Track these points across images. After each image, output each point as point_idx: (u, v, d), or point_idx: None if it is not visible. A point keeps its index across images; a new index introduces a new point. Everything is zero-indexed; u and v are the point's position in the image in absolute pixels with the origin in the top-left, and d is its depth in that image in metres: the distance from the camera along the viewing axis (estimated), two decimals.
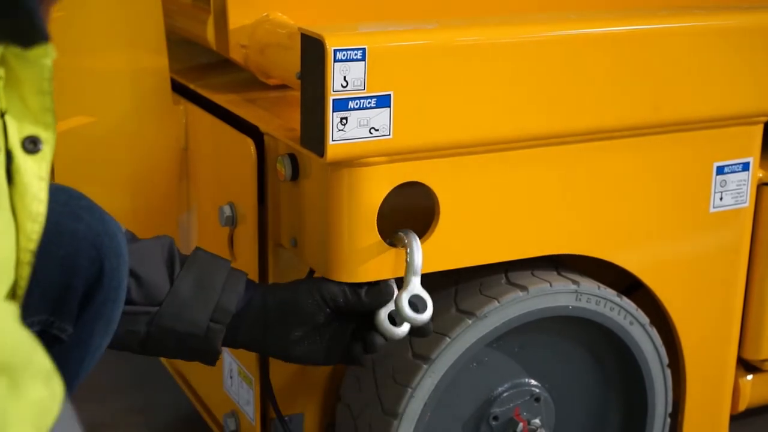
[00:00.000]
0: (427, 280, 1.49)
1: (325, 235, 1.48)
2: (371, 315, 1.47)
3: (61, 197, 1.27)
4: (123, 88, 1.78)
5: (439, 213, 1.52)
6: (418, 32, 1.46)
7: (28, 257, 0.96)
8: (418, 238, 1.47)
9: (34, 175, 0.94)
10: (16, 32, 0.86)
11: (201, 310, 1.42)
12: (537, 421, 1.71)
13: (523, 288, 1.62)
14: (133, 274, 1.37)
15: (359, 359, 1.49)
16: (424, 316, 1.45)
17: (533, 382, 1.73)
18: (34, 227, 0.95)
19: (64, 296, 1.26)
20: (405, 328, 1.46)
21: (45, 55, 0.90)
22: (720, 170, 1.75)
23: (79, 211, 1.28)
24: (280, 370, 1.68)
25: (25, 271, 0.95)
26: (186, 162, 1.88)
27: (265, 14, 1.71)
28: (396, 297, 1.45)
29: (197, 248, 1.48)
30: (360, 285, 1.47)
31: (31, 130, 0.94)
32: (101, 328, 1.28)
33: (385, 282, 1.47)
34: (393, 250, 1.48)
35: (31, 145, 0.94)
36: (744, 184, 1.77)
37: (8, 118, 0.93)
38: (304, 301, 1.44)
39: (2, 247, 0.90)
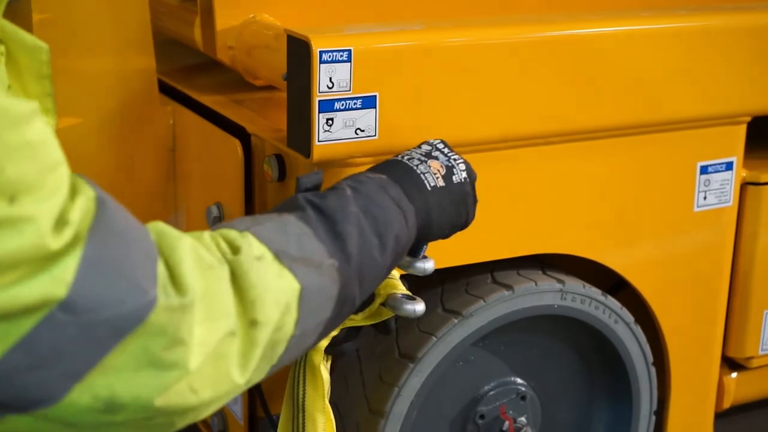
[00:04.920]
0: (414, 280, 1.49)
1: None
2: None
3: None
4: (110, 89, 1.79)
5: None
6: (403, 34, 1.47)
7: None
8: None
9: None
10: None
11: None
12: (523, 419, 1.72)
13: (509, 287, 1.63)
14: None
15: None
16: (417, 309, 1.43)
17: (519, 380, 1.74)
18: None
19: None
20: (421, 305, 1.41)
21: None
22: (704, 170, 1.76)
23: None
24: None
25: None
26: (173, 163, 1.89)
27: (252, 16, 1.72)
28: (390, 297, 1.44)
29: None
30: None
31: None
32: None
33: None
34: None
35: None
36: (727, 184, 1.79)
37: None
38: None
39: None
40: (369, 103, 1.41)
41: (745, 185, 1.85)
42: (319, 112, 1.38)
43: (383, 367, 1.63)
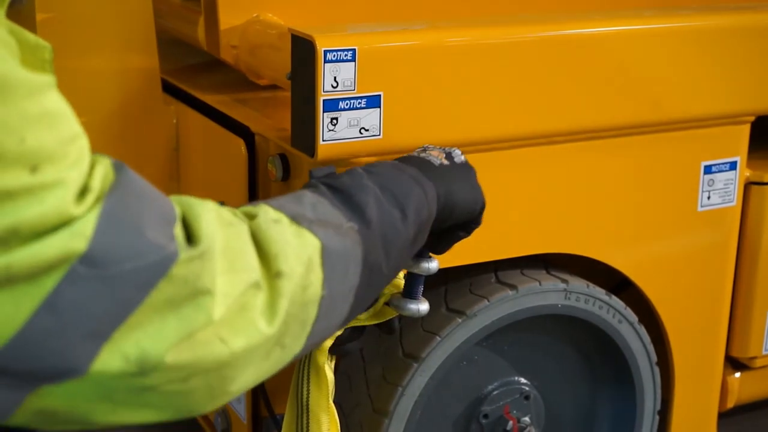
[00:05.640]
0: None
1: None
2: None
3: None
4: (113, 89, 1.79)
5: None
6: (407, 33, 1.47)
7: None
8: None
9: None
10: None
11: None
12: (527, 419, 1.72)
13: (513, 287, 1.63)
14: None
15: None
16: (421, 309, 1.41)
17: (523, 380, 1.74)
18: None
19: None
20: (425, 305, 1.41)
21: None
22: (708, 169, 1.76)
23: None
24: None
25: None
26: (177, 162, 1.89)
27: (255, 15, 1.72)
28: (393, 296, 1.44)
29: None
30: None
31: None
32: None
33: None
34: None
35: None
36: (731, 183, 1.79)
37: None
38: None
39: None
40: (373, 102, 1.41)
41: (748, 185, 1.85)
42: (323, 112, 1.38)
43: (387, 367, 1.62)
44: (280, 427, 1.70)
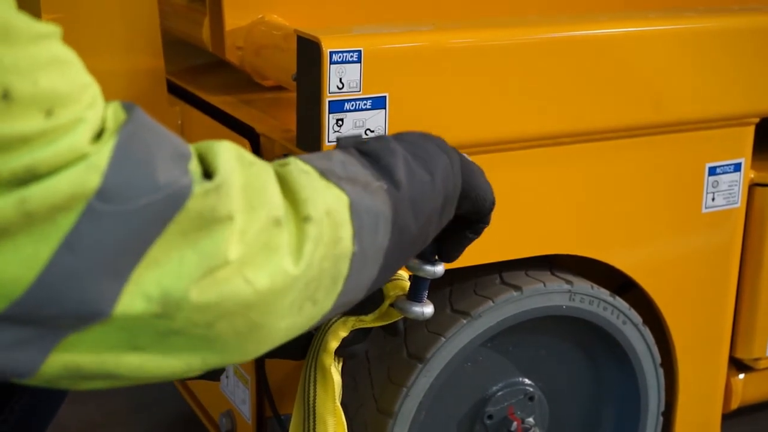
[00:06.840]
0: None
1: None
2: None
3: None
4: (118, 90, 1.79)
5: None
6: (413, 34, 1.47)
7: None
8: None
9: None
10: None
11: None
12: (531, 419, 1.73)
13: (517, 288, 1.63)
14: None
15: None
16: (426, 311, 1.40)
17: (527, 381, 1.74)
18: None
19: None
20: (429, 308, 1.39)
21: None
22: (712, 171, 1.76)
23: None
24: (275, 369, 1.69)
25: None
26: None
27: (260, 16, 1.72)
28: (398, 299, 1.43)
29: None
30: None
31: None
32: None
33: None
34: None
35: None
36: (736, 185, 1.79)
37: None
38: None
39: None
40: (379, 103, 1.41)
41: (753, 186, 1.85)
42: (328, 113, 1.38)
43: (392, 368, 1.63)
44: (284, 428, 1.71)
